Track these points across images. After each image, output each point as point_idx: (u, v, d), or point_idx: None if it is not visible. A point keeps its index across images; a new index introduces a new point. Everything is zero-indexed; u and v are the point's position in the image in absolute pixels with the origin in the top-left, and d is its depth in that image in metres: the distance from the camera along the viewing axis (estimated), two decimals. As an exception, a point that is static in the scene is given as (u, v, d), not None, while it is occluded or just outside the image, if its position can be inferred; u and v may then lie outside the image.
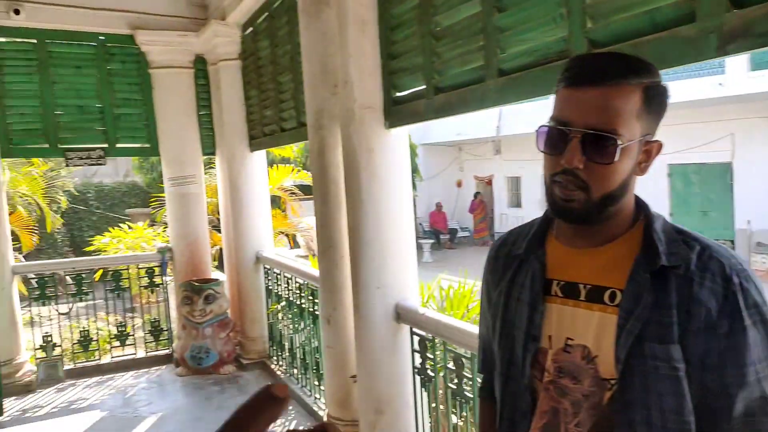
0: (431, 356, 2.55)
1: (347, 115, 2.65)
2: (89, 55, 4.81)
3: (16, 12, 4.30)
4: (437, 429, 2.74)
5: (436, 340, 2.50)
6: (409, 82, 2.51)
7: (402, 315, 2.63)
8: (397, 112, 2.58)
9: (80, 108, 4.84)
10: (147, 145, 5.10)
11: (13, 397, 4.38)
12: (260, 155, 4.98)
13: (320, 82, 3.04)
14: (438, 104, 2.31)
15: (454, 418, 2.57)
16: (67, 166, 4.89)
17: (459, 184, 18.16)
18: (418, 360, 2.66)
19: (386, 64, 2.59)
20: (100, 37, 4.80)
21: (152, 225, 9.98)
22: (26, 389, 4.56)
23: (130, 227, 9.50)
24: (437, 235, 16.29)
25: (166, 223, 9.44)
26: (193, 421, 4.03)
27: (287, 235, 8.29)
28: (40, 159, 8.51)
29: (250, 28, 4.58)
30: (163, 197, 9.30)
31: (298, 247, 9.36)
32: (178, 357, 4.92)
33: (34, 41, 4.61)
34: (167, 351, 5.25)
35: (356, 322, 2.82)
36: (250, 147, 4.84)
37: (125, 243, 8.71)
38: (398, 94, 2.58)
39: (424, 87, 2.37)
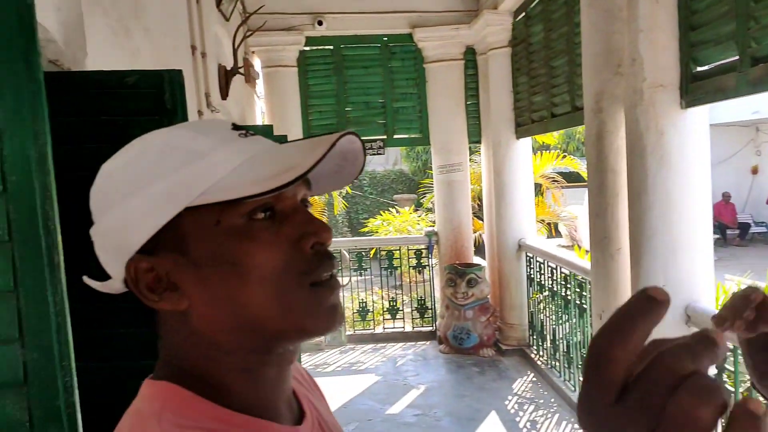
0: (731, 369, 2.21)
1: (633, 95, 2.43)
2: (374, 55, 5.38)
3: (320, 23, 5.03)
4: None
5: (739, 352, 2.16)
6: (714, 54, 2.19)
7: (694, 318, 2.34)
8: (696, 89, 2.27)
9: (366, 104, 5.44)
10: (419, 136, 5.50)
11: (307, 354, 5.19)
12: (525, 142, 4.94)
13: (602, 63, 2.86)
14: (755, 77, 1.96)
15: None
16: (354, 155, 5.56)
17: (755, 171, 15.30)
18: (712, 372, 2.33)
19: (684, 36, 2.30)
20: (384, 38, 5.32)
21: (416, 210, 10.75)
22: (317, 348, 5.36)
23: (397, 211, 10.39)
24: (723, 230, 14.04)
25: (429, 208, 10.09)
26: (457, 397, 4.24)
27: (549, 224, 8.08)
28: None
29: (522, 14, 4.54)
30: (429, 184, 9.91)
31: (560, 236, 9.04)
32: (441, 335, 5.22)
33: (331, 47, 5.33)
34: (431, 328, 5.61)
35: (634, 320, 2.60)
36: (515, 134, 4.83)
37: (393, 225, 9.56)
38: (699, 68, 2.27)
39: (736, 58, 2.04)
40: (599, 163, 2.93)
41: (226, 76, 3.98)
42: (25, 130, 1.08)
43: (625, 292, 2.80)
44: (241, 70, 4.16)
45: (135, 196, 0.49)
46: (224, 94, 3.92)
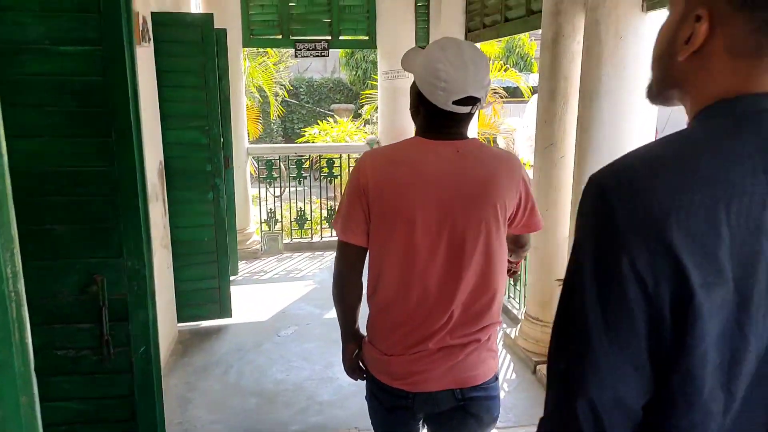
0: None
1: (596, -4, 2.37)
2: (325, -55, 4.97)
3: None
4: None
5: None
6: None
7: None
8: (658, -7, 2.24)
9: (311, 0, 5.08)
10: (366, 38, 5.26)
11: (243, 261, 5.11)
12: (474, 50, 4.82)
13: (565, -39, 2.76)
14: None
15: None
16: (296, 56, 5.26)
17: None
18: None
19: (652, -66, 2.23)
20: (335, -75, 4.90)
21: (354, 120, 10.53)
22: (253, 256, 5.31)
23: (335, 121, 10.14)
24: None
25: (368, 120, 9.90)
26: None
27: (486, 138, 8.16)
28: (274, 50, 9.44)
29: None
30: (370, 95, 9.65)
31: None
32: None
33: (276, -68, 4.87)
34: (369, 237, 5.64)
35: (573, 225, 2.70)
36: (465, 39, 4.69)
37: (331, 136, 9.35)
38: (663, -30, 2.23)
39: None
40: (552, 68, 2.91)
41: (155, -46, 3.56)
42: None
43: (564, 197, 2.88)
44: (173, -51, 3.73)
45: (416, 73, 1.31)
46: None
